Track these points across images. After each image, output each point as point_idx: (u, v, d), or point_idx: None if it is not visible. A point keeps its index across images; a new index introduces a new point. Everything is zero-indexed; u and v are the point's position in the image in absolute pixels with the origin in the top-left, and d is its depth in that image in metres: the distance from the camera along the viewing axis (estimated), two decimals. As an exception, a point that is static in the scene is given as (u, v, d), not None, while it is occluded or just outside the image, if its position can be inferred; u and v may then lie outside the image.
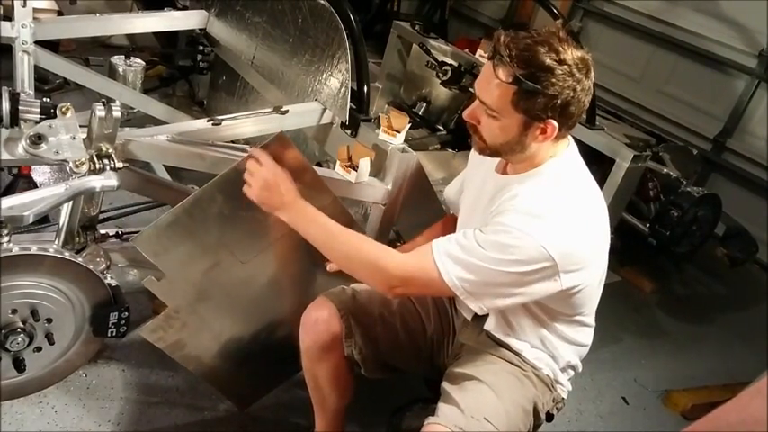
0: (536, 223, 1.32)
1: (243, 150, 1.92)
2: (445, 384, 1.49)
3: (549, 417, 1.61)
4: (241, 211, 1.62)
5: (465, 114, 1.42)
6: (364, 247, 1.45)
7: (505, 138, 1.37)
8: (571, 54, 1.30)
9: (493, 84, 1.32)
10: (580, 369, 1.62)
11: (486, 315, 1.56)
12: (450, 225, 1.80)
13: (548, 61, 1.28)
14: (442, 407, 1.41)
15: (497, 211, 1.40)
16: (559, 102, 1.30)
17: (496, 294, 1.37)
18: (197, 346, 1.79)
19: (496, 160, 1.53)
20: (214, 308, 1.75)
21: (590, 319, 1.55)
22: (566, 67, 1.29)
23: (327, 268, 1.76)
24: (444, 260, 1.36)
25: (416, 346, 1.64)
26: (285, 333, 1.87)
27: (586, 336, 1.58)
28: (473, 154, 1.69)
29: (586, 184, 1.46)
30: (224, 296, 1.74)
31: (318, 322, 1.59)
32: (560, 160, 1.44)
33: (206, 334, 1.78)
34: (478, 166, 1.63)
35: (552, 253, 1.31)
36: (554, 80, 1.28)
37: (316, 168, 2.10)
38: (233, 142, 2.08)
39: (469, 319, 1.62)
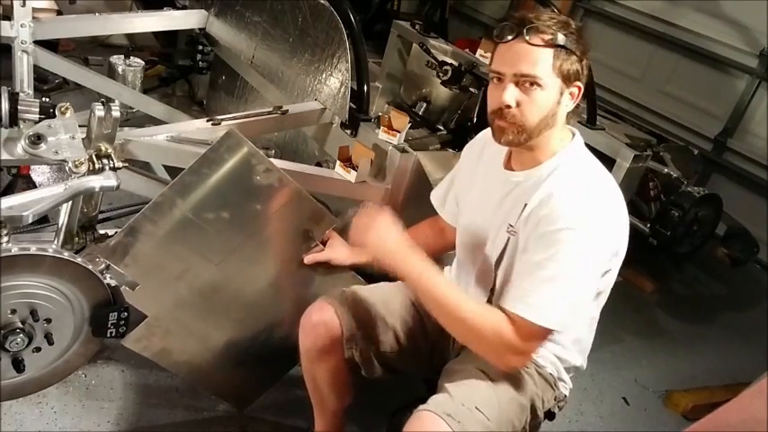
0: (591, 217, 1.33)
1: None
2: (441, 379, 1.49)
3: (551, 415, 1.60)
4: (205, 213, 1.61)
5: (503, 100, 1.36)
6: (478, 320, 1.36)
7: (545, 110, 1.36)
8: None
9: (531, 53, 1.33)
10: (584, 368, 1.61)
11: None
12: (436, 226, 1.80)
13: (571, 24, 1.35)
14: (433, 396, 1.39)
15: (537, 218, 1.37)
16: (585, 60, 1.37)
17: (583, 306, 1.39)
18: (184, 351, 1.78)
19: (496, 156, 1.52)
20: (195, 312, 1.73)
21: (598, 312, 1.55)
22: (579, 29, 1.37)
23: (305, 261, 1.76)
24: (542, 314, 1.31)
25: (416, 347, 1.64)
26: (273, 330, 1.86)
27: (591, 331, 1.57)
28: (466, 153, 1.68)
29: (604, 171, 1.47)
30: (203, 300, 1.72)
31: (318, 325, 1.58)
32: (573, 149, 1.44)
33: (191, 339, 1.77)
34: (475, 164, 1.62)
35: (617, 240, 1.38)
36: (581, 40, 1.35)
37: (315, 168, 2.11)
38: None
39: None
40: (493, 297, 1.53)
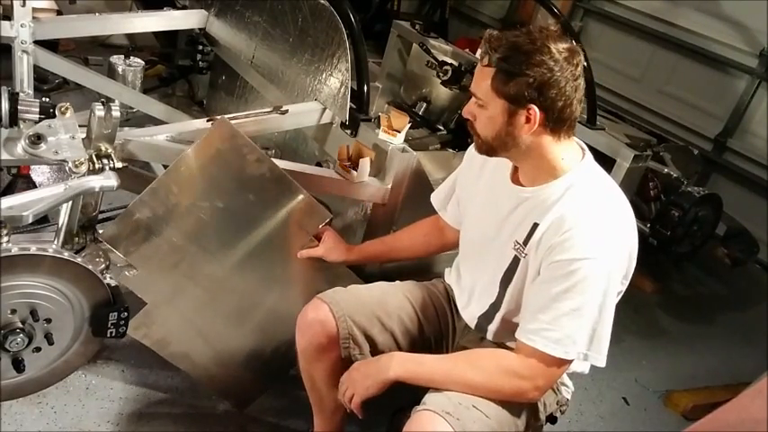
0: (605, 244, 1.32)
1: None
2: None
3: (553, 419, 1.60)
4: (199, 201, 1.63)
5: (463, 111, 1.45)
6: (487, 371, 1.38)
7: (494, 128, 1.38)
8: (555, 42, 1.32)
9: (480, 73, 1.38)
10: (586, 372, 1.59)
11: (490, 322, 1.55)
12: (436, 225, 1.80)
13: (526, 45, 1.31)
14: (429, 396, 1.39)
15: (549, 244, 1.35)
16: (535, 82, 1.30)
17: (606, 333, 1.37)
18: (183, 342, 1.79)
19: (502, 166, 1.51)
20: (192, 302, 1.75)
21: None
22: (546, 49, 1.30)
23: (298, 255, 1.77)
24: (564, 348, 1.32)
25: (414, 348, 1.63)
26: (272, 328, 1.87)
27: None
28: (469, 157, 1.67)
29: (616, 190, 1.45)
30: (200, 289, 1.73)
31: (314, 323, 1.57)
32: (585, 168, 1.42)
33: (190, 330, 1.78)
34: (478, 170, 1.61)
35: (629, 264, 1.38)
36: (531, 62, 1.30)
37: (315, 168, 2.10)
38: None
39: (472, 326, 1.62)
40: (496, 313, 1.53)
